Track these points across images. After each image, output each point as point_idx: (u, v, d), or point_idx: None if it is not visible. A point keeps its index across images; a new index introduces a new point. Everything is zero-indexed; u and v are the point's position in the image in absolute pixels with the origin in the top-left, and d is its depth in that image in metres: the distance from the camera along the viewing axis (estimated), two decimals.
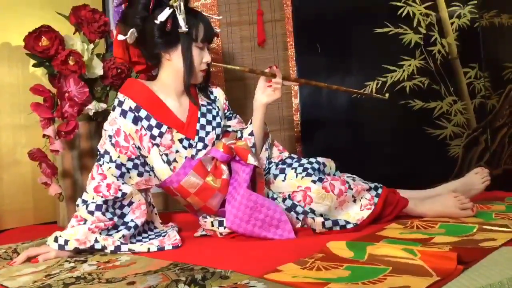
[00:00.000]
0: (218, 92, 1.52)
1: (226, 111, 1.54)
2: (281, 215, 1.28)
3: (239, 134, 1.50)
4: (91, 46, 1.71)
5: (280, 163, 1.48)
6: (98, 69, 1.72)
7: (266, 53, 2.22)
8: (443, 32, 2.05)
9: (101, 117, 1.78)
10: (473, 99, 2.04)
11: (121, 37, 1.32)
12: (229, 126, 1.52)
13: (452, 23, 2.05)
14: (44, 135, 1.55)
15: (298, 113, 2.16)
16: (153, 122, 1.33)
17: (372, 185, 1.42)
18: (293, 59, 2.18)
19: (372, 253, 0.98)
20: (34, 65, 1.67)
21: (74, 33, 1.74)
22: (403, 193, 1.52)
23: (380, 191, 1.40)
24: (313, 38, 2.12)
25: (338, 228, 1.31)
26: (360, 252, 1.00)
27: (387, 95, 1.54)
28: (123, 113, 1.33)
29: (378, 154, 2.05)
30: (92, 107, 1.67)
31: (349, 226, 1.32)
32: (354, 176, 1.57)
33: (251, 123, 1.48)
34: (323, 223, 1.31)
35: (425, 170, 2.05)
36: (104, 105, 1.72)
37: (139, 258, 1.19)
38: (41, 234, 1.60)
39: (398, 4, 2.03)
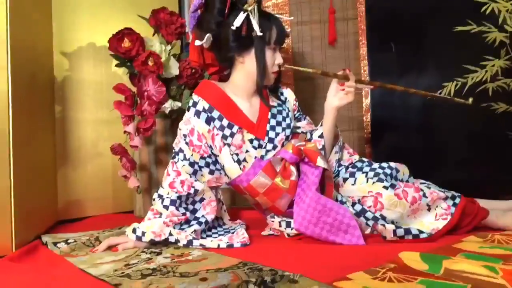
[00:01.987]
0: (288, 93, 1.53)
1: (295, 112, 1.54)
2: (350, 220, 1.26)
3: (308, 136, 1.49)
4: (168, 47, 1.79)
5: (350, 166, 1.46)
6: (174, 69, 1.80)
7: (337, 52, 2.19)
8: None
9: (175, 115, 1.86)
10: None
11: (198, 43, 1.36)
12: (299, 128, 1.52)
13: None
14: (125, 132, 1.65)
15: (369, 113, 2.10)
16: (225, 122, 1.37)
17: (449, 193, 1.35)
18: (364, 58, 2.12)
19: (448, 267, 0.94)
20: (116, 65, 1.78)
21: (153, 35, 1.83)
22: (483, 203, 1.43)
23: (457, 200, 1.33)
24: (387, 36, 2.05)
25: (410, 237, 1.27)
26: (436, 265, 0.96)
27: (470, 99, 1.45)
28: (197, 114, 1.38)
29: (455, 160, 1.94)
30: (168, 106, 1.74)
31: (422, 236, 1.27)
32: (429, 183, 1.50)
33: (321, 125, 1.47)
34: (394, 231, 1.27)
35: (507, 178, 1.91)
36: (179, 104, 1.80)
37: (209, 254, 1.23)
38: (119, 222, 1.72)
39: (482, 0, 1.90)
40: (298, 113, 1.55)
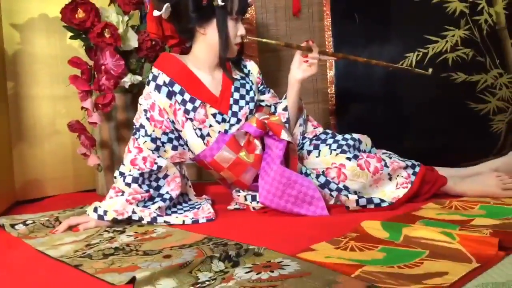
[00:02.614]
0: (251, 66, 1.50)
1: (259, 85, 1.51)
2: (314, 191, 1.27)
3: (272, 109, 1.48)
4: (126, 18, 1.71)
5: (314, 138, 1.46)
6: (133, 41, 1.72)
7: (301, 23, 2.15)
8: (491, 0, 1.92)
9: (136, 89, 1.80)
10: None
11: (156, 13, 1.30)
12: (263, 101, 1.50)
13: None
14: (82, 108, 1.58)
15: (333, 85, 2.11)
16: (186, 96, 1.33)
17: (409, 163, 1.38)
18: (329, 29, 2.10)
19: (408, 234, 0.96)
20: (71, 37, 1.70)
21: (109, 5, 1.75)
22: (442, 171, 1.47)
23: (417, 169, 1.37)
24: (351, 7, 2.04)
25: (372, 206, 1.29)
26: (396, 233, 0.98)
27: (430, 70, 1.47)
28: (157, 88, 1.33)
29: (416, 129, 1.99)
30: (128, 80, 1.68)
31: (384, 205, 1.30)
32: (391, 153, 1.53)
33: (285, 98, 1.46)
34: (357, 201, 1.29)
35: (466, 146, 1.97)
36: (139, 77, 1.74)
37: (174, 230, 1.22)
38: (80, 202, 1.67)
39: None
40: (262, 86, 1.52)
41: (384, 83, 2.03)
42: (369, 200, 1.30)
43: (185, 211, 1.40)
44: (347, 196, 1.30)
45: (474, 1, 1.93)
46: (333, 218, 1.23)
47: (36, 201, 1.80)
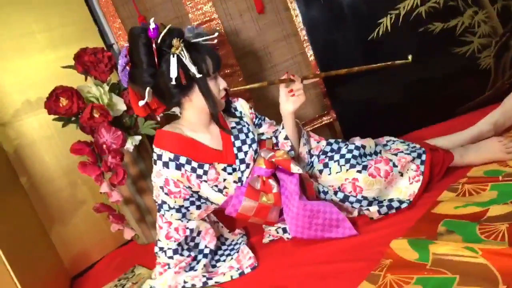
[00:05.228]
0: (241, 105, 1.54)
1: (254, 120, 1.56)
2: (338, 214, 1.36)
3: (274, 140, 1.53)
4: (106, 86, 1.72)
5: (320, 154, 1.53)
6: (120, 105, 1.75)
7: (269, 17, 2.14)
8: None
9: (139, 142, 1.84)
10: (494, 4, 1.93)
11: (142, 103, 1.32)
12: (263, 134, 1.55)
13: None
14: (101, 193, 1.65)
15: (317, 70, 2.12)
16: (194, 164, 1.39)
17: (415, 153, 1.44)
18: (298, 17, 2.09)
19: (435, 252, 1.06)
20: (63, 126, 1.72)
21: (85, 79, 1.75)
22: (444, 142, 1.55)
23: (424, 157, 1.44)
24: None
25: (394, 211, 1.38)
26: (424, 252, 1.08)
27: (410, 57, 1.49)
28: (165, 164, 1.39)
29: (409, 85, 2.01)
30: (130, 145, 1.73)
31: (403, 206, 1.38)
32: (394, 139, 1.59)
33: (283, 128, 1.50)
34: (378, 211, 1.38)
35: (460, 89, 2.02)
36: (139, 137, 1.78)
37: None
38: (128, 259, 1.81)
39: None
40: (257, 119, 1.57)
41: (365, 53, 2.04)
42: (389, 206, 1.38)
43: (226, 256, 1.51)
44: (368, 209, 1.39)
45: None
46: (362, 238, 1.32)
47: (88, 270, 1.93)
